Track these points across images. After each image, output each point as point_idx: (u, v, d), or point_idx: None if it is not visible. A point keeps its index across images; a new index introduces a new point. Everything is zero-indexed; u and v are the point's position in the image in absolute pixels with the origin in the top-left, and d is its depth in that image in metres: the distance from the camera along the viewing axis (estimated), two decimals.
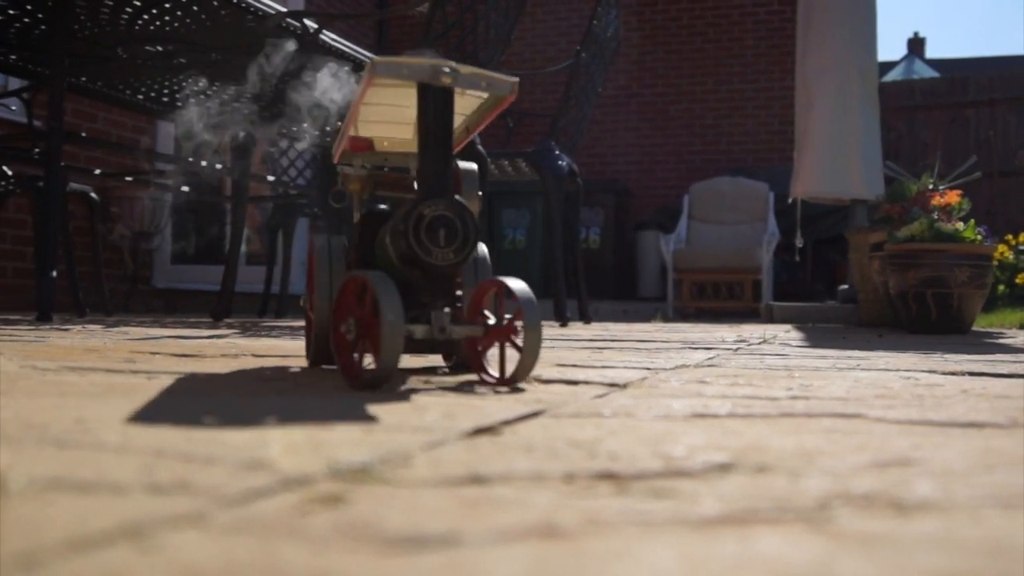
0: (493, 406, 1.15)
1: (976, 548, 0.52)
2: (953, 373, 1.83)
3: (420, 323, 1.38)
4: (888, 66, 13.72)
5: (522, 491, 0.66)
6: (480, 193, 1.60)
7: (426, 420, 1.00)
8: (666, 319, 6.60)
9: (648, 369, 1.81)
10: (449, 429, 0.94)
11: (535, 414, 1.09)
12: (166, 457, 0.75)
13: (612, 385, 1.49)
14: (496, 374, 1.48)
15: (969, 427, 1.05)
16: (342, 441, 0.85)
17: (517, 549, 0.50)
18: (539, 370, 1.71)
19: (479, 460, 0.78)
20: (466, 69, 1.37)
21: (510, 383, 1.42)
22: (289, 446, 0.81)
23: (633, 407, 1.18)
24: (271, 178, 5.23)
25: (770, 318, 5.98)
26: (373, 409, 1.08)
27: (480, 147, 4.23)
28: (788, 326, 4.97)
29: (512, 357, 1.46)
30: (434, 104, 1.36)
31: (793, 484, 0.71)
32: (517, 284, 1.43)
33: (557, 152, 4.84)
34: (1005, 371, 1.88)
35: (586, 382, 1.52)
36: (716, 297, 7.59)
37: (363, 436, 0.88)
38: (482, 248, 1.62)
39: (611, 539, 0.53)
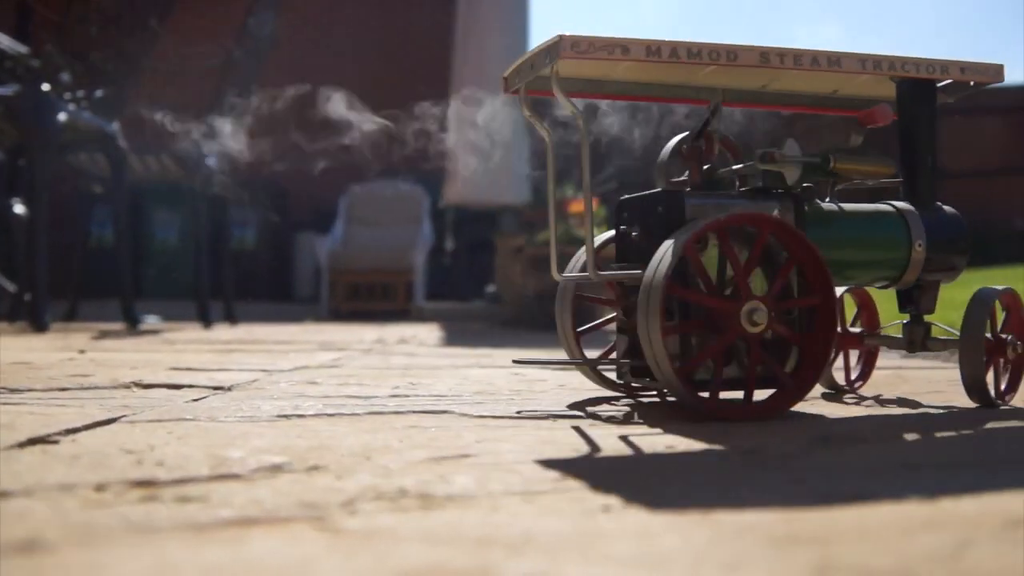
0: (71, 413, 1.09)
1: (471, 539, 0.54)
2: (563, 369, 1.90)
3: None
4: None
5: (36, 503, 0.62)
6: None
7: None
8: (318, 320, 6.56)
9: (265, 371, 1.78)
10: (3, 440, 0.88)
11: (111, 420, 1.04)
12: None
13: (217, 388, 1.45)
14: None
15: (544, 420, 1.09)
16: None
17: None
18: (147, 374, 1.65)
19: (9, 473, 0.73)
20: None
21: None
22: None
23: (222, 410, 1.16)
24: None
25: (421, 318, 6.07)
26: None
27: (121, 141, 4.05)
28: (435, 326, 5.05)
29: None
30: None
31: (336, 483, 0.71)
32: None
33: (205, 150, 4.70)
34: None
35: (191, 385, 1.48)
36: (371, 298, 7.61)
37: None
38: None
39: (95, 551, 0.50)
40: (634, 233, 1.24)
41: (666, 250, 1.07)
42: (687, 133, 1.29)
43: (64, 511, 0.60)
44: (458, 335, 3.78)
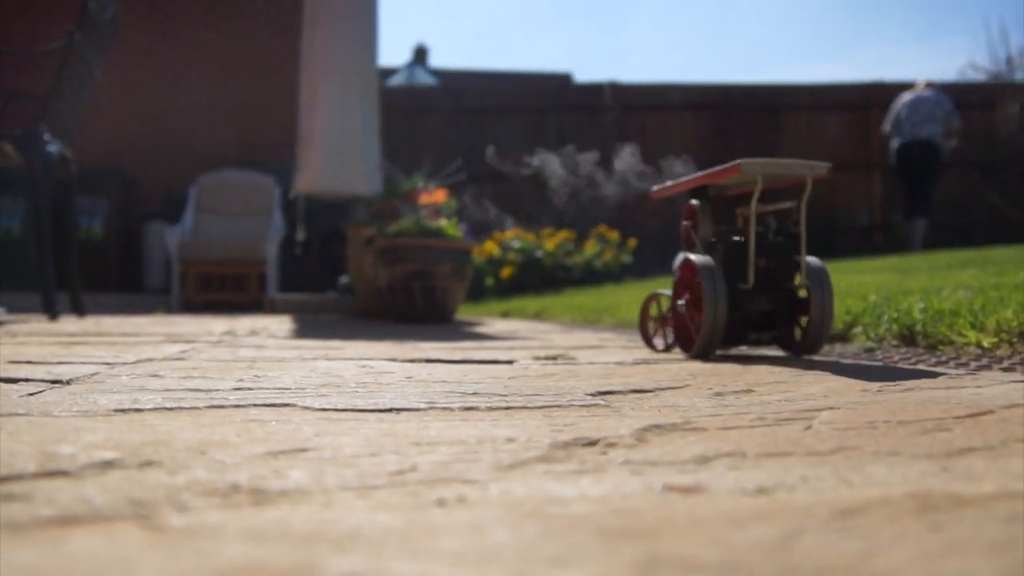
0: None
1: (297, 536, 0.53)
2: (411, 360, 1.90)
3: None
4: (392, 72, 14.20)
5: None
6: None
7: None
8: (169, 312, 6.41)
9: (107, 364, 1.74)
10: None
11: None
12: None
13: (55, 382, 1.41)
14: None
15: (387, 412, 1.09)
16: None
17: None
18: None
19: None
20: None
21: None
22: None
23: (57, 404, 1.12)
24: None
25: (273, 310, 5.98)
26: None
27: None
28: (287, 317, 4.99)
29: None
30: None
31: (168, 478, 0.69)
32: None
33: (46, 136, 4.55)
34: (459, 358, 1.98)
35: (27, 379, 1.43)
36: (223, 289, 7.48)
37: None
38: None
39: None
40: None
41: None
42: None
43: None
44: (310, 327, 3.75)
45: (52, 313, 4.24)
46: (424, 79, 13.99)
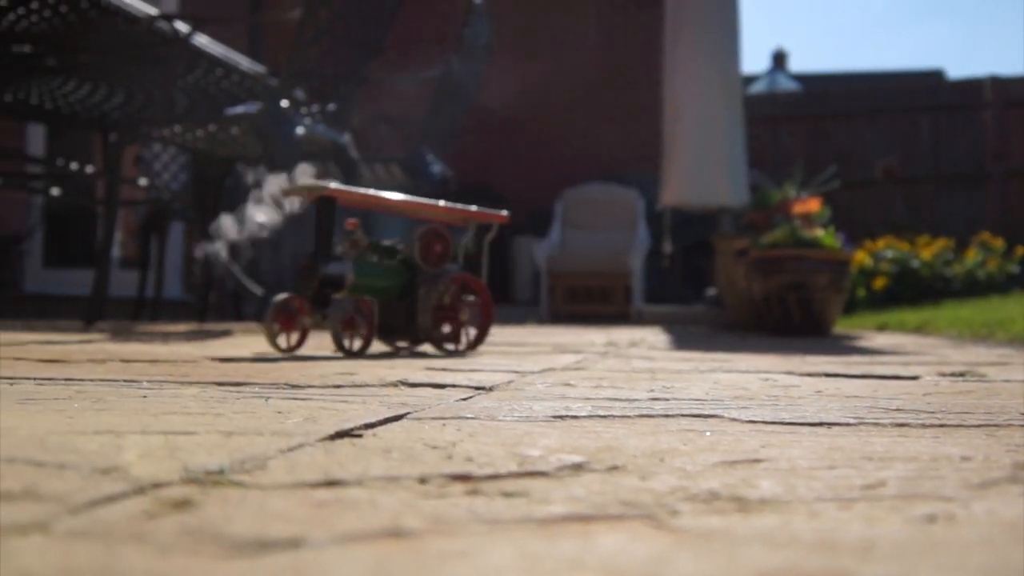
0: (358, 409, 1.15)
1: (809, 543, 0.54)
2: (810, 374, 1.88)
3: None
4: (753, 79, 14.09)
5: (374, 493, 0.66)
6: None
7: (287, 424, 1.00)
8: (539, 322, 6.64)
9: (516, 372, 1.83)
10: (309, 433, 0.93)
11: (398, 417, 1.09)
12: (17, 463, 0.73)
13: (479, 388, 1.50)
14: None
15: (818, 426, 1.08)
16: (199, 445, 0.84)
17: (359, 550, 0.50)
18: (407, 373, 1.71)
19: (335, 464, 0.78)
20: None
21: None
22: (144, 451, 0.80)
23: (496, 409, 1.19)
24: (143, 181, 5.10)
25: (640, 321, 6.07)
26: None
27: (352, 152, 4.21)
28: (657, 329, 5.05)
29: None
30: None
31: (642, 483, 0.72)
32: None
33: (430, 157, 4.84)
34: (858, 372, 1.94)
35: (453, 385, 1.53)
36: (589, 301, 7.67)
37: (222, 440, 0.87)
38: None
39: (456, 539, 0.53)
40: None
41: None
42: None
43: (406, 501, 0.63)
44: (685, 339, 3.77)
45: None
46: (785, 84, 13.78)
